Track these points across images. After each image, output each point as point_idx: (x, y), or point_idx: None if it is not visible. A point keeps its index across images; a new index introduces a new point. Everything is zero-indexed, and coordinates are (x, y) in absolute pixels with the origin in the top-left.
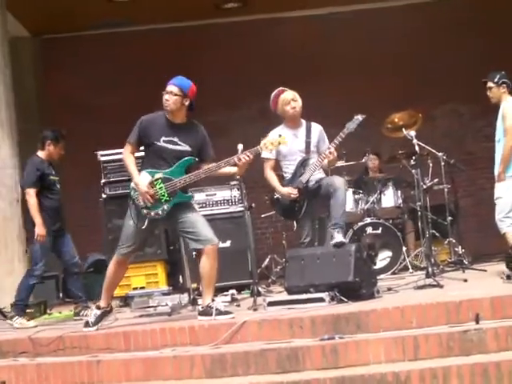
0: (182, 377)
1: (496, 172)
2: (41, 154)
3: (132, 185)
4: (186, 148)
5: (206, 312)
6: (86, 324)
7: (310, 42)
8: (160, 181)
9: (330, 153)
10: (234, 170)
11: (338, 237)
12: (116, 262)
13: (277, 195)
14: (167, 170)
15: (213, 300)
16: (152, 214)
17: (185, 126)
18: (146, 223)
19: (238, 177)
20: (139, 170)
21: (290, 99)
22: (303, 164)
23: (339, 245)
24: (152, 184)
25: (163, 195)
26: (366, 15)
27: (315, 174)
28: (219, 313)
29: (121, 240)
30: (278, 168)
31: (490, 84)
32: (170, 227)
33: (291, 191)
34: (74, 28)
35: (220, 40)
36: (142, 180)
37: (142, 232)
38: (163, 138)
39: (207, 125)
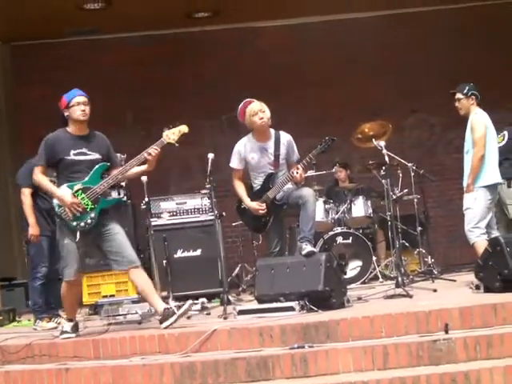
0: None
1: (465, 183)
2: None
3: (55, 201)
4: (97, 156)
5: (166, 316)
6: (64, 332)
7: (283, 52)
8: (80, 191)
9: (297, 173)
10: (144, 167)
11: (307, 247)
12: (66, 285)
13: (244, 205)
14: (84, 180)
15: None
16: (82, 224)
17: (89, 136)
18: (78, 236)
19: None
20: None
21: (257, 110)
22: (272, 178)
23: (309, 254)
24: (73, 196)
25: (87, 204)
26: (337, 26)
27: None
28: (178, 307)
29: (62, 263)
30: (247, 178)
31: (459, 95)
32: (99, 242)
33: (259, 207)
34: (44, 35)
35: (192, 49)
36: (64, 192)
37: (79, 247)
38: (72, 152)
39: None
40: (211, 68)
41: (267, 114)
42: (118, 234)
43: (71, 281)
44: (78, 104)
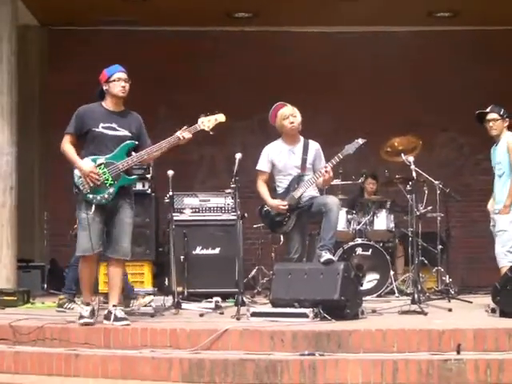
0: (159, 378)
1: (495, 206)
2: None
3: (75, 172)
4: (126, 133)
5: (107, 315)
6: (82, 317)
7: (318, 59)
8: (103, 166)
9: (326, 172)
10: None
11: (326, 255)
12: (82, 262)
13: (266, 208)
14: (109, 155)
15: (114, 306)
16: (98, 198)
17: (123, 113)
18: (93, 209)
19: None
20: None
21: (288, 114)
22: (298, 180)
23: (328, 262)
24: (95, 169)
25: (107, 179)
26: (374, 38)
27: (309, 190)
28: (115, 319)
29: (79, 238)
30: (271, 181)
31: (495, 116)
32: (106, 219)
33: (280, 203)
34: (83, 22)
35: (229, 48)
36: (85, 163)
37: (95, 223)
38: (102, 125)
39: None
40: (246, 68)
41: (298, 118)
42: (126, 222)
43: (87, 257)
44: (118, 80)
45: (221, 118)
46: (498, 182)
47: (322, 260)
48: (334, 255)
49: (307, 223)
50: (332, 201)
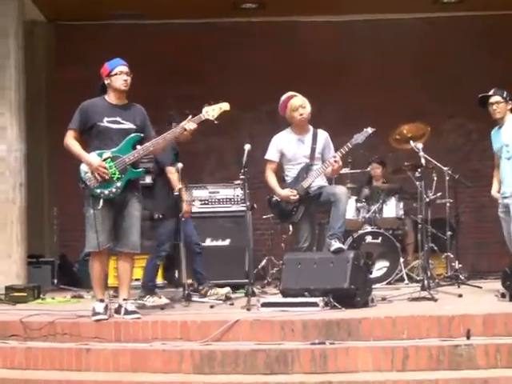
0: (170, 371)
1: (506, 189)
2: None
3: (82, 167)
4: (131, 126)
5: (117, 309)
6: (96, 313)
7: (326, 49)
8: (109, 160)
9: (336, 161)
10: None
11: (337, 244)
12: (92, 258)
13: (275, 198)
14: (115, 149)
15: (124, 299)
16: (106, 192)
17: (126, 106)
18: (101, 204)
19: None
20: None
21: (298, 105)
22: (307, 169)
23: (338, 251)
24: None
25: (114, 173)
26: (381, 26)
27: (317, 180)
28: (126, 312)
29: (87, 234)
30: (280, 171)
31: (498, 98)
32: (119, 214)
33: (290, 193)
34: (90, 17)
35: (236, 40)
36: (92, 158)
37: (103, 218)
38: (106, 119)
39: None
40: (253, 59)
41: (308, 109)
42: (134, 215)
43: (96, 253)
44: (120, 73)
45: (225, 106)
46: (507, 164)
47: (333, 249)
48: (343, 244)
49: (316, 212)
50: (340, 190)
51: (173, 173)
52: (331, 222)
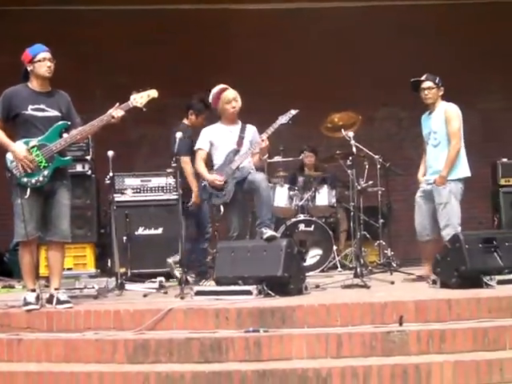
0: (104, 360)
1: (430, 176)
2: (186, 121)
3: (8, 156)
4: (56, 113)
5: (50, 299)
6: (28, 303)
7: (256, 37)
8: (36, 148)
9: (263, 140)
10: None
11: (268, 232)
12: (22, 247)
13: (204, 182)
14: (41, 137)
15: (56, 289)
16: (33, 181)
17: (50, 93)
18: (28, 193)
19: None
20: None
21: (231, 98)
22: (235, 152)
23: (271, 238)
24: (28, 152)
25: (41, 161)
26: (311, 14)
27: (246, 164)
28: (58, 302)
29: (16, 223)
30: (210, 160)
31: (430, 84)
32: (47, 203)
33: (217, 177)
34: (15, 2)
35: (166, 28)
36: (18, 147)
37: (31, 207)
38: (30, 107)
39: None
40: (184, 48)
41: (239, 103)
42: (64, 204)
43: (25, 243)
44: (43, 60)
45: (153, 93)
46: (432, 151)
47: (265, 237)
48: (276, 231)
49: (244, 200)
50: (258, 177)
51: (187, 163)
52: (257, 212)
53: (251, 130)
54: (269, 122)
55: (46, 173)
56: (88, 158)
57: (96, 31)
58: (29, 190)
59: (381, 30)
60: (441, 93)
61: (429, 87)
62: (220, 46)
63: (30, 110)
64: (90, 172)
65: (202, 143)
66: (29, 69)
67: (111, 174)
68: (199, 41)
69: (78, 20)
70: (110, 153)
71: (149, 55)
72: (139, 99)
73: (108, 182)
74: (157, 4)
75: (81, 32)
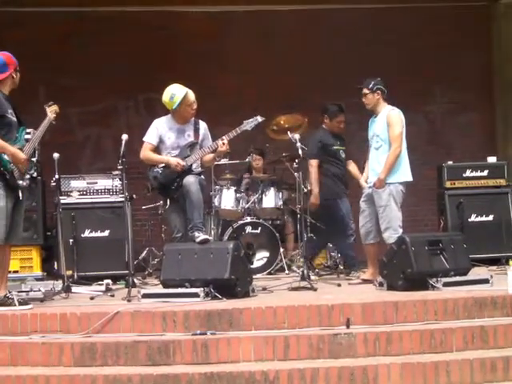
0: (51, 364)
1: (371, 179)
2: (324, 125)
3: (5, 157)
4: (15, 118)
5: (4, 303)
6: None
7: (202, 39)
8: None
9: (223, 144)
10: None
11: (201, 235)
12: None
13: (156, 169)
14: (18, 142)
15: (9, 291)
16: (24, 183)
17: (10, 98)
18: (20, 195)
19: None
20: None
21: (192, 101)
22: (190, 147)
23: (204, 242)
24: None
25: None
26: (258, 17)
27: (197, 165)
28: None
29: None
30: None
31: (365, 90)
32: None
33: (180, 161)
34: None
35: (111, 29)
36: (17, 150)
37: (13, 211)
38: (9, 111)
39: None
40: (130, 49)
41: (196, 105)
42: (23, 208)
43: (3, 245)
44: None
45: (55, 108)
46: (374, 154)
47: (198, 241)
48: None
49: (184, 201)
50: (188, 181)
51: (312, 166)
52: (188, 214)
53: (203, 127)
54: (215, 121)
55: (27, 176)
56: (34, 160)
57: (39, 32)
58: (21, 191)
59: (328, 32)
60: (377, 96)
61: (364, 94)
62: (166, 47)
63: (9, 114)
64: (36, 174)
65: (151, 137)
66: (13, 75)
67: (57, 177)
68: (145, 42)
69: (21, 21)
70: (56, 155)
71: (93, 57)
72: (54, 114)
73: (54, 184)
74: (100, 6)
75: (23, 32)
